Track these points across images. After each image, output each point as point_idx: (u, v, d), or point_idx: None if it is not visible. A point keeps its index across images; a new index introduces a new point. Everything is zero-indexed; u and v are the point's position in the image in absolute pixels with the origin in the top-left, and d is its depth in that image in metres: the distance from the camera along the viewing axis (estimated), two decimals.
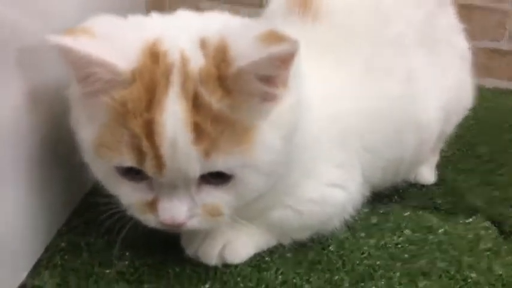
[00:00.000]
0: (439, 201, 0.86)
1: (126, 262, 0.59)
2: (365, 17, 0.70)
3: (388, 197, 0.84)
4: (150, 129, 0.46)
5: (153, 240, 0.63)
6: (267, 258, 0.64)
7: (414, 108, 0.73)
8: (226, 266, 0.61)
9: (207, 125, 0.46)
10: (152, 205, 0.51)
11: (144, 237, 0.63)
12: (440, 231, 0.75)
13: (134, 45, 0.48)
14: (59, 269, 0.56)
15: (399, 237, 0.72)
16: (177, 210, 0.50)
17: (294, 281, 0.60)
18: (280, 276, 0.60)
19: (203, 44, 0.48)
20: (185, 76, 0.46)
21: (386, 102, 0.69)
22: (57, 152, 0.61)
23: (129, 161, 0.48)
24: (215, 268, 0.60)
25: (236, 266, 0.61)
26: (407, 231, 0.74)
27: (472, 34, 0.89)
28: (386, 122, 0.70)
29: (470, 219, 0.80)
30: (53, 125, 0.60)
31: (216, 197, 0.52)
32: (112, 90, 0.47)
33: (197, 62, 0.47)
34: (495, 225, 0.80)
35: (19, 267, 0.54)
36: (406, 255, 0.68)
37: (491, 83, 2.01)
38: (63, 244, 0.61)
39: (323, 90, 0.61)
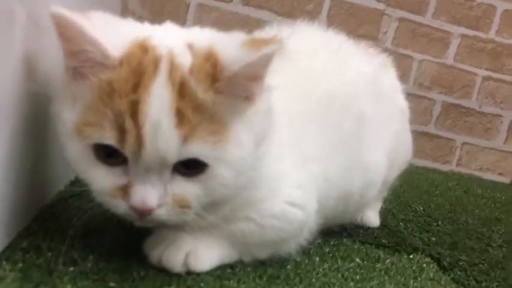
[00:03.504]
0: (384, 241, 0.92)
1: (89, 264, 0.59)
2: (325, 63, 0.79)
3: (338, 233, 0.89)
4: (134, 109, 0.49)
5: (117, 246, 0.64)
6: (229, 271, 0.65)
7: (362, 148, 0.81)
8: (189, 273, 0.62)
9: (189, 113, 0.51)
10: (124, 190, 0.53)
11: (107, 243, 0.64)
12: (387, 261, 0.80)
13: (126, 37, 0.53)
14: (20, 265, 0.55)
15: (350, 263, 0.77)
16: (149, 195, 0.52)
17: None
18: (242, 285, 0.62)
19: (190, 47, 0.54)
20: (172, 67, 0.51)
21: (338, 135, 0.76)
22: (22, 158, 0.61)
23: (110, 138, 0.50)
24: (177, 274, 0.61)
25: (199, 274, 0.62)
26: (357, 260, 0.78)
27: None
28: (339, 155, 0.76)
29: (412, 256, 0.86)
30: (24, 128, 0.61)
31: (187, 188, 0.54)
32: (99, 72, 0.51)
33: (185, 58, 0.53)
34: (434, 262, 0.86)
35: None
36: (357, 277, 0.72)
37: (419, 162, 2.19)
38: (24, 244, 0.59)
39: (285, 114, 0.68)
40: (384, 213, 1.09)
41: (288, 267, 0.70)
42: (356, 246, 0.85)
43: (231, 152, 0.54)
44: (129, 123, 0.50)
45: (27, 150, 0.61)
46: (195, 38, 0.56)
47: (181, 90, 0.51)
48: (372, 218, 0.99)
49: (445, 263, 0.86)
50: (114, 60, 0.51)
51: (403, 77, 2.18)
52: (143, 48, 0.52)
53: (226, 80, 0.52)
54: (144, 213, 0.53)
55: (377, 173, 0.86)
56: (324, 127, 0.73)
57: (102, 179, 0.54)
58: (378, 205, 1.03)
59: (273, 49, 0.52)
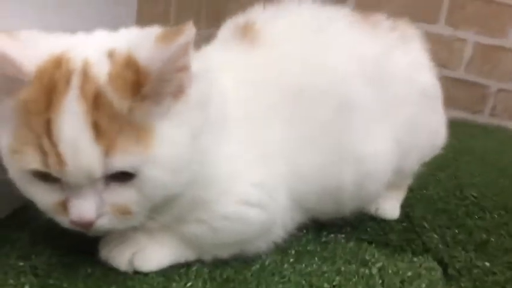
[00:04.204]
0: (392, 238, 0.84)
1: (44, 258, 0.63)
2: (301, 46, 0.72)
3: (339, 228, 0.83)
4: (49, 128, 0.49)
5: (77, 242, 0.67)
6: (181, 271, 0.65)
7: (351, 139, 0.73)
8: (138, 273, 0.63)
9: (106, 125, 0.50)
10: (64, 206, 0.54)
11: (69, 237, 0.67)
12: (377, 265, 0.74)
13: (46, 53, 0.52)
14: None
15: (329, 266, 0.72)
16: (84, 209, 0.53)
17: None
18: None
19: (110, 54, 0.53)
20: (86, 79, 0.50)
21: (311, 127, 0.70)
22: None
23: (35, 163, 0.51)
24: (125, 273, 0.62)
25: (147, 274, 0.63)
26: (340, 262, 0.73)
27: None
28: (317, 149, 0.70)
29: (416, 259, 0.78)
30: None
31: (123, 195, 0.54)
32: (18, 91, 0.51)
33: (102, 67, 0.51)
34: (442, 267, 0.77)
35: None
36: (326, 285, 0.67)
37: None
38: None
39: (243, 109, 0.64)
40: (418, 201, 0.99)
41: (253, 268, 0.68)
42: (350, 245, 0.79)
43: (160, 153, 0.53)
44: (46, 144, 0.50)
45: None
46: (119, 43, 0.54)
47: (96, 103, 0.50)
48: (388, 209, 0.90)
49: (452, 270, 0.76)
50: (30, 75, 0.50)
51: None
52: (57, 63, 0.52)
53: (151, 83, 0.50)
54: (85, 226, 0.54)
55: (378, 164, 0.76)
56: (291, 120, 0.68)
57: (43, 197, 0.55)
58: (399, 195, 0.93)
59: (186, 38, 0.50)
